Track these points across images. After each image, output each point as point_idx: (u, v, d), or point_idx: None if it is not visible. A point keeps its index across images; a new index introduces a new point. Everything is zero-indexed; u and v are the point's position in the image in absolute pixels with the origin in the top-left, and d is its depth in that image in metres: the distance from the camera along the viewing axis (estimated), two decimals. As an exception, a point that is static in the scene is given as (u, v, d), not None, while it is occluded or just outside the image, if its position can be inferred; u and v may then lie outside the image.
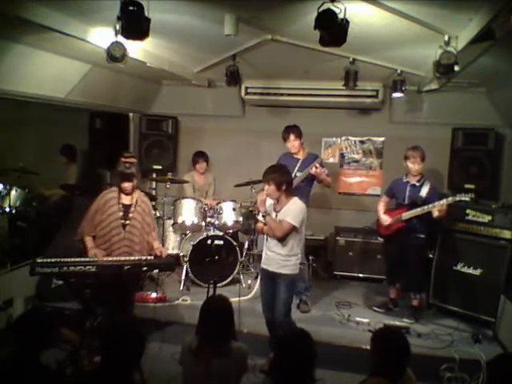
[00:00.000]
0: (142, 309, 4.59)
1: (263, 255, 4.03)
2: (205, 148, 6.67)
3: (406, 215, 4.78)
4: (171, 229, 6.00)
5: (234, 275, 5.70)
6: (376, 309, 5.20)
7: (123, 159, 4.07)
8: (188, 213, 5.71)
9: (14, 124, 6.31)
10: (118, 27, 3.19)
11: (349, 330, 4.69)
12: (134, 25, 3.13)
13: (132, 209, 4.10)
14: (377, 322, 4.65)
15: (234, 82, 5.33)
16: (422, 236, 4.86)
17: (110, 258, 3.93)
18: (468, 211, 5.03)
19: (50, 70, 4.69)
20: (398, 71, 5.31)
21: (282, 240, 3.81)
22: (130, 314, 4.03)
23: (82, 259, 3.89)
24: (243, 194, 6.19)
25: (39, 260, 3.81)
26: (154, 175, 6.91)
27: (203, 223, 5.80)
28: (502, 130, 6.07)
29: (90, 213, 4.09)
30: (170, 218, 5.95)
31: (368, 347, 2.68)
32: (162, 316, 4.58)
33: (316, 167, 4.85)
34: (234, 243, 5.68)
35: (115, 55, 3.64)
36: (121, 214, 4.06)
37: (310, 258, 5.64)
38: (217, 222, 5.78)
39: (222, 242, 5.49)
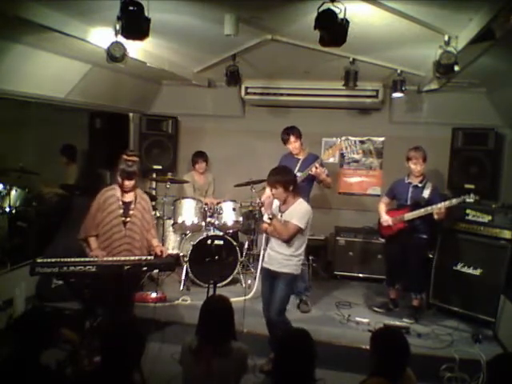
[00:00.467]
0: (142, 309, 4.59)
1: (265, 255, 4.03)
2: (205, 148, 6.67)
3: (409, 216, 4.76)
4: (171, 229, 6.00)
5: (234, 275, 5.71)
6: (376, 309, 5.20)
7: (126, 157, 4.05)
8: (188, 213, 5.71)
9: (13, 124, 6.30)
10: (118, 27, 3.19)
11: (349, 330, 4.69)
12: (134, 25, 3.13)
13: (132, 206, 4.10)
14: (377, 322, 4.65)
15: (234, 81, 5.33)
16: (425, 236, 4.86)
17: (110, 258, 3.93)
18: (468, 211, 5.03)
19: (50, 70, 4.69)
20: (398, 71, 5.31)
21: (287, 242, 3.82)
22: (129, 314, 4.03)
23: (82, 259, 3.88)
24: (243, 194, 6.18)
25: (39, 260, 3.80)
26: (154, 175, 6.90)
27: (203, 223, 5.80)
28: (502, 129, 6.07)
29: (91, 212, 4.08)
30: (170, 218, 5.95)
31: (368, 347, 2.68)
32: (161, 316, 4.58)
33: (316, 167, 4.85)
34: (234, 243, 5.68)
35: (115, 55, 3.64)
36: (121, 211, 4.05)
37: (310, 257, 5.65)
38: (217, 222, 5.79)
39: (222, 242, 5.49)
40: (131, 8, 3.03)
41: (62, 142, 6.37)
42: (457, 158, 6.08)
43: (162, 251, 4.11)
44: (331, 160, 6.09)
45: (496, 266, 4.76)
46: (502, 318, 4.54)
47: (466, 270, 4.96)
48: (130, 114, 7.06)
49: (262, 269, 4.09)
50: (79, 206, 5.12)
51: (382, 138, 6.80)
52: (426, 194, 4.77)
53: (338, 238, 6.34)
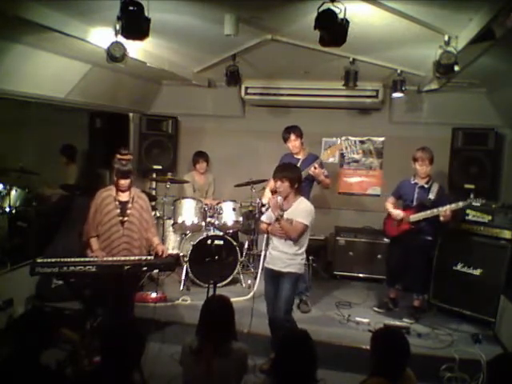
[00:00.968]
0: (142, 309, 4.58)
1: (267, 255, 4.03)
2: (205, 148, 6.67)
3: (414, 218, 4.74)
4: (171, 229, 6.00)
5: (234, 275, 5.70)
6: (376, 309, 5.19)
7: (119, 156, 4.06)
8: (188, 213, 5.71)
9: (14, 124, 6.29)
10: (118, 27, 3.20)
11: (349, 330, 4.68)
12: (134, 25, 3.13)
13: (129, 205, 4.10)
14: (377, 322, 4.65)
15: (234, 81, 5.33)
16: (429, 238, 4.85)
17: (110, 258, 3.93)
18: (468, 211, 5.02)
19: (50, 70, 4.69)
20: (398, 71, 5.31)
21: (296, 240, 3.82)
22: (129, 314, 4.03)
23: (82, 259, 3.89)
24: (243, 194, 6.19)
25: (39, 260, 3.81)
26: (154, 175, 6.91)
27: (203, 223, 5.80)
28: (502, 129, 6.07)
29: (90, 213, 4.10)
30: (170, 218, 5.95)
31: (368, 347, 2.68)
32: (161, 316, 4.58)
33: (315, 168, 4.84)
34: (234, 243, 5.68)
35: (115, 55, 3.64)
36: (118, 211, 4.06)
37: (310, 257, 5.64)
38: (217, 222, 5.79)
39: (222, 242, 5.49)
40: (131, 8, 3.03)
41: (61, 141, 6.37)
42: (457, 157, 6.08)
43: (162, 250, 4.11)
44: (331, 160, 6.08)
45: (496, 265, 4.76)
46: (502, 318, 4.54)
47: (466, 269, 4.96)
48: (130, 114, 7.06)
49: (265, 269, 4.09)
50: (79, 205, 5.12)
51: (382, 138, 6.80)
52: (432, 195, 4.74)
53: (337, 238, 6.34)
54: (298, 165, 5.00)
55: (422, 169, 4.79)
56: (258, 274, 5.36)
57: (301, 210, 3.83)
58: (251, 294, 5.25)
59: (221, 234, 5.71)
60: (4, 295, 4.43)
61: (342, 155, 6.85)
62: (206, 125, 7.28)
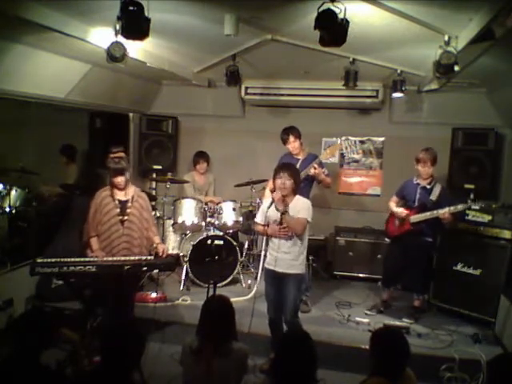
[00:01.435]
0: (142, 309, 4.58)
1: (267, 255, 4.03)
2: (205, 148, 6.67)
3: (415, 218, 4.74)
4: (171, 229, 6.00)
5: (234, 275, 5.70)
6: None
7: (111, 155, 4.06)
8: (188, 213, 5.71)
9: (14, 124, 6.30)
10: (118, 27, 3.19)
11: (349, 330, 4.69)
12: (134, 25, 3.13)
13: (129, 204, 4.09)
14: (377, 322, 4.65)
15: (234, 81, 5.33)
16: (430, 239, 4.85)
17: (110, 258, 3.93)
18: (468, 211, 5.02)
19: (50, 70, 4.69)
20: (398, 71, 5.31)
21: (300, 235, 3.83)
22: (129, 314, 4.03)
23: (82, 259, 3.89)
24: (243, 194, 6.19)
25: (39, 260, 3.81)
26: (154, 175, 6.91)
27: (203, 223, 5.80)
28: (502, 129, 6.07)
29: (90, 213, 4.09)
30: (170, 218, 5.95)
31: (368, 347, 2.68)
32: (161, 316, 4.58)
33: (315, 168, 4.84)
34: (234, 243, 5.68)
35: (115, 55, 3.64)
36: (118, 210, 4.05)
37: (310, 257, 5.64)
38: (217, 222, 5.79)
39: (222, 242, 5.49)
40: (131, 8, 3.03)
41: (61, 141, 6.36)
42: (457, 157, 6.07)
43: (163, 250, 4.11)
44: (331, 160, 6.08)
45: (496, 266, 4.77)
46: (502, 318, 4.53)
47: (466, 269, 4.96)
48: (130, 114, 7.06)
49: (265, 270, 4.09)
50: (79, 205, 5.12)
51: (381, 138, 6.80)
52: (434, 196, 4.73)
53: (337, 238, 6.34)
54: (298, 165, 5.01)
55: (424, 170, 4.79)
56: (258, 274, 5.37)
57: (301, 207, 3.84)
58: (251, 294, 5.27)
59: (221, 234, 5.71)
60: (4, 295, 4.43)
61: (341, 155, 6.85)
62: (206, 125, 7.28)
